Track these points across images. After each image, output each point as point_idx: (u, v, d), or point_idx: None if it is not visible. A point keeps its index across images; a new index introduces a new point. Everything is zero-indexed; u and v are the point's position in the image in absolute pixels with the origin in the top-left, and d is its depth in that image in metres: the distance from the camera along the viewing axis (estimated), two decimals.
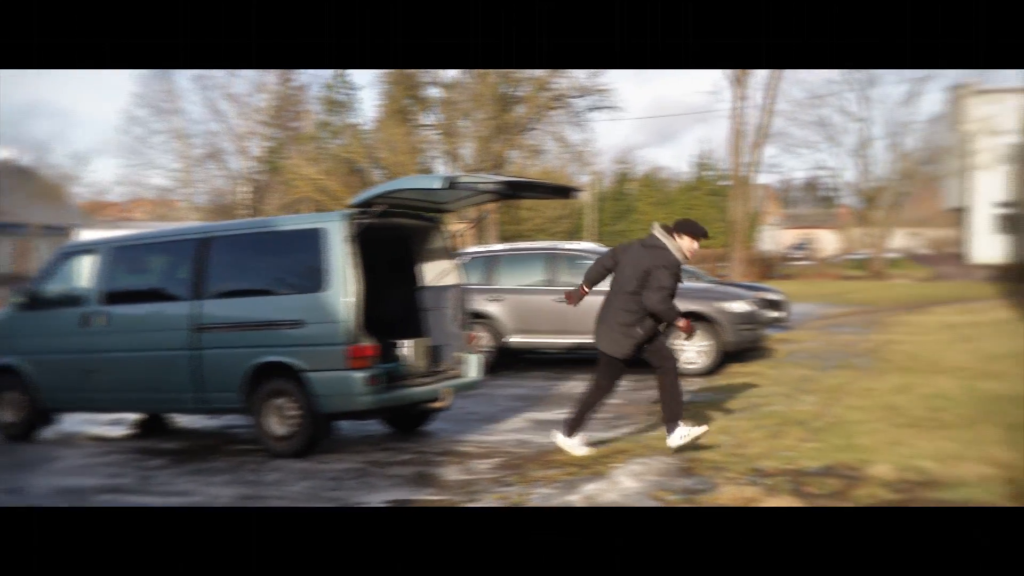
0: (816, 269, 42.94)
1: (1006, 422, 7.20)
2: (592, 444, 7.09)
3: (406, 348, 7.99)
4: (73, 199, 52.39)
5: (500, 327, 12.23)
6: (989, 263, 39.48)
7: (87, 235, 31.66)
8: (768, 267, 39.47)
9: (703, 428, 6.73)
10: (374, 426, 8.56)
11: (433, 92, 40.27)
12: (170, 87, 48.59)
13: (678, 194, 66.34)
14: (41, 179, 48.94)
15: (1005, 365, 10.33)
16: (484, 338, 11.79)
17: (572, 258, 12.43)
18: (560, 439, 6.98)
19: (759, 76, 35.66)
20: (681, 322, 6.56)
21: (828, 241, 58.73)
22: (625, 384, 10.58)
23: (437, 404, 7.87)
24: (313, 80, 49.88)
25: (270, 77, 46.75)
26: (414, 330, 8.31)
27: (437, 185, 7.13)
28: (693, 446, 6.66)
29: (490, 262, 12.84)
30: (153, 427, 9.36)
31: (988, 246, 42.57)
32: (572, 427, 6.95)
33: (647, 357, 6.82)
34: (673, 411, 6.70)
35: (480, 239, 35.81)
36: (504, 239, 38.53)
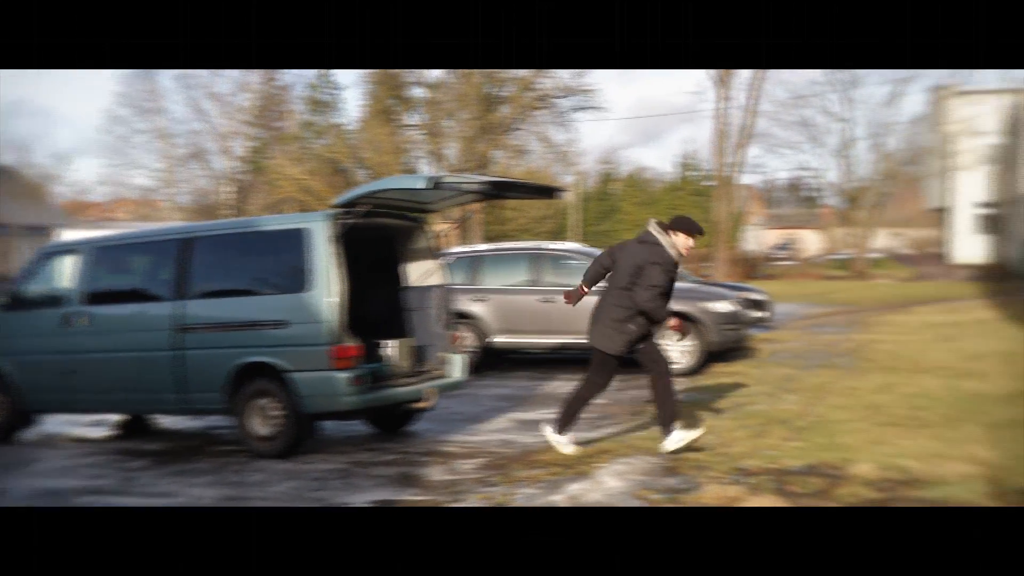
0: (799, 269, 43.12)
1: (987, 421, 7.25)
2: (578, 444, 7.08)
3: (390, 348, 7.98)
4: (55, 199, 52.06)
5: (484, 327, 12.23)
6: (970, 263, 39.75)
7: (69, 235, 31.47)
8: (751, 267, 39.60)
9: (699, 432, 6.70)
10: (358, 426, 8.54)
11: (417, 92, 40.25)
12: (153, 86, 48.41)
13: (662, 194, 66.44)
14: (22, 179, 48.56)
15: (986, 364, 10.40)
16: (468, 338, 11.78)
17: (556, 258, 12.44)
18: (550, 434, 6.99)
19: (743, 77, 35.81)
20: (672, 321, 6.55)
21: (811, 241, 58.92)
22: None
23: (421, 404, 7.86)
24: (297, 80, 49.64)
25: (253, 76, 46.63)
26: (398, 330, 8.30)
27: (421, 185, 7.11)
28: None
29: (474, 262, 12.83)
30: (135, 428, 9.31)
31: (969, 246, 42.84)
32: (563, 423, 6.95)
33: (639, 359, 6.81)
34: (668, 414, 6.67)
35: (464, 239, 35.77)
36: (488, 239, 38.50)
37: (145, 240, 8.71)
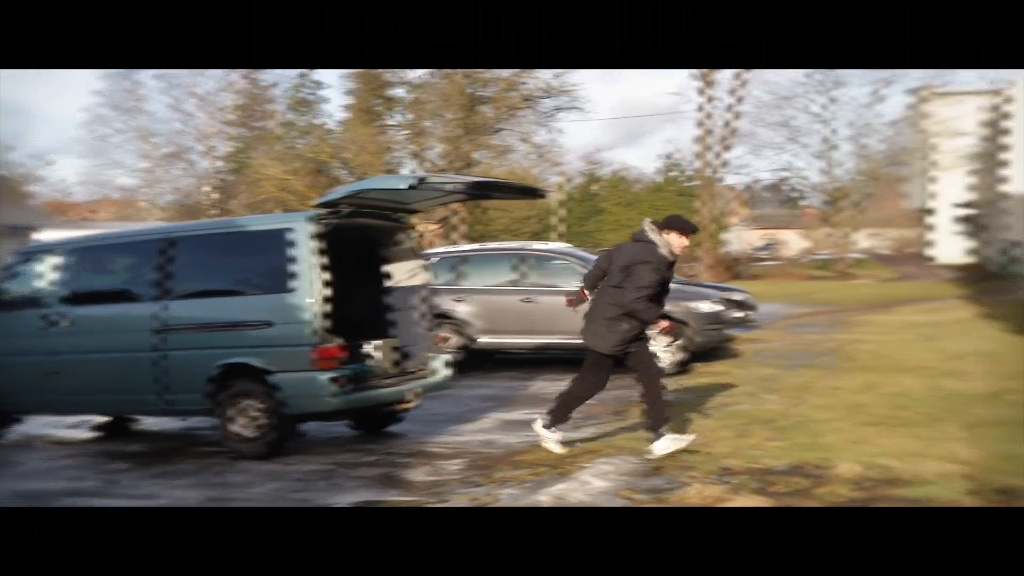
0: (782, 269, 43.29)
1: (967, 420, 7.31)
2: (565, 443, 7.06)
3: (373, 349, 7.96)
4: (35, 199, 51.74)
5: (468, 327, 12.22)
6: (951, 263, 40.01)
7: (49, 235, 31.26)
8: (734, 267, 39.75)
9: (688, 439, 6.68)
10: (341, 427, 8.52)
11: (400, 92, 40.21)
12: (134, 86, 48.11)
13: (645, 195, 66.64)
14: (2, 179, 48.25)
15: (966, 364, 10.47)
16: (452, 339, 11.77)
17: (540, 258, 12.44)
18: (539, 429, 6.98)
19: (725, 77, 35.94)
20: (661, 323, 6.52)
21: (793, 241, 59.20)
22: None
23: (404, 405, 7.84)
24: (280, 80, 49.51)
25: (236, 76, 46.45)
26: (381, 331, 8.28)
27: (404, 185, 7.09)
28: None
29: (458, 262, 12.82)
30: (117, 429, 9.25)
31: (950, 246, 43.12)
32: (553, 420, 6.93)
33: (631, 362, 6.74)
34: (657, 419, 6.63)
35: (448, 239, 35.77)
36: (472, 239, 38.51)
37: (126, 240, 8.65)
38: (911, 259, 46.03)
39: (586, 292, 7.04)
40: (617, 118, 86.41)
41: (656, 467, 6.32)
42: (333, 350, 7.10)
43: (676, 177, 65.83)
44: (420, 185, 7.02)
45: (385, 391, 7.65)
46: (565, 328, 11.75)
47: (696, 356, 11.67)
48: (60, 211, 52.28)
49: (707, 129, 35.45)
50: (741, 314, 15.11)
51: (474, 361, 12.23)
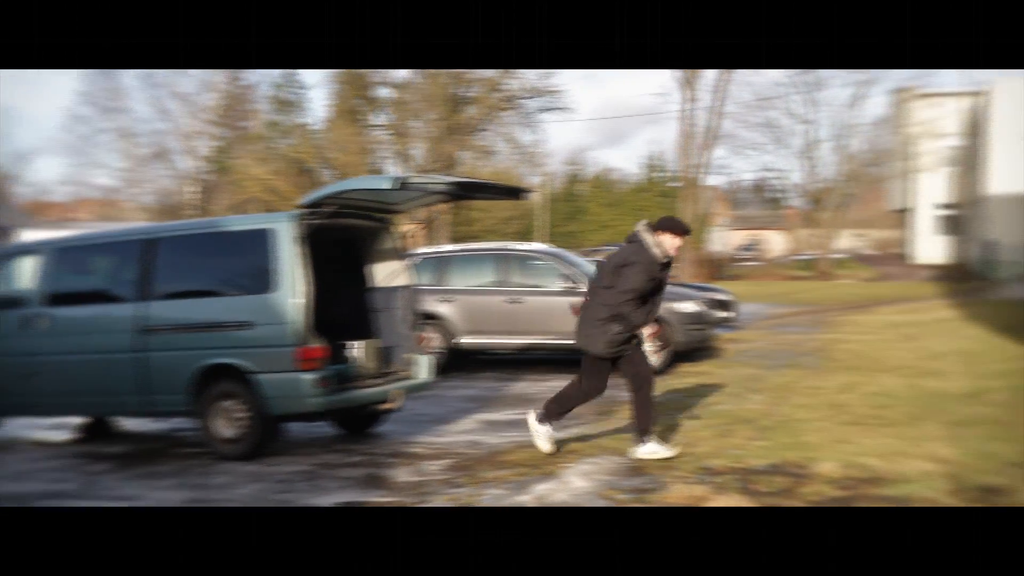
0: (764, 270, 43.46)
1: (948, 419, 7.36)
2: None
3: (356, 349, 7.95)
4: (15, 199, 51.35)
5: (451, 328, 12.21)
6: (932, 263, 40.29)
7: (29, 236, 31.05)
8: (717, 268, 39.88)
9: (673, 452, 6.57)
10: (324, 428, 8.50)
11: (383, 92, 40.15)
12: (115, 85, 47.85)
13: (628, 195, 66.77)
14: None
15: (947, 363, 10.55)
16: (435, 339, 11.76)
17: (523, 259, 12.45)
18: (532, 422, 6.93)
19: (708, 78, 36.05)
20: (649, 328, 6.47)
21: (776, 242, 59.46)
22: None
23: (388, 406, 7.83)
24: (262, 79, 49.37)
25: (218, 76, 46.25)
26: (364, 331, 8.27)
27: (387, 186, 7.08)
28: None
29: (441, 263, 12.81)
30: (98, 431, 9.19)
31: (931, 247, 43.43)
32: (547, 415, 6.87)
33: (622, 364, 6.66)
34: (644, 424, 6.60)
35: (431, 240, 35.74)
36: (455, 240, 38.49)
37: (107, 241, 8.60)
38: (892, 259, 46.34)
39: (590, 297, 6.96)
40: (600, 119, 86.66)
41: (639, 467, 6.34)
42: (316, 351, 7.08)
43: (659, 178, 65.98)
44: (403, 185, 7.01)
45: (368, 392, 7.63)
46: (548, 328, 11.78)
47: (679, 356, 11.71)
48: (40, 211, 51.94)
49: (690, 130, 35.58)
50: (724, 314, 15.16)
51: (457, 362, 12.22)
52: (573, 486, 5.92)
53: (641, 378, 6.63)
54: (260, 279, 7.22)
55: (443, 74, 35.87)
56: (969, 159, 39.31)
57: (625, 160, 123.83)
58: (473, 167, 40.11)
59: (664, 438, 6.84)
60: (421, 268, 12.21)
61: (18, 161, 67.32)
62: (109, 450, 8.17)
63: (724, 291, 16.34)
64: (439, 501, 5.79)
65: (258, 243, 7.28)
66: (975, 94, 37.91)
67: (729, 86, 37.35)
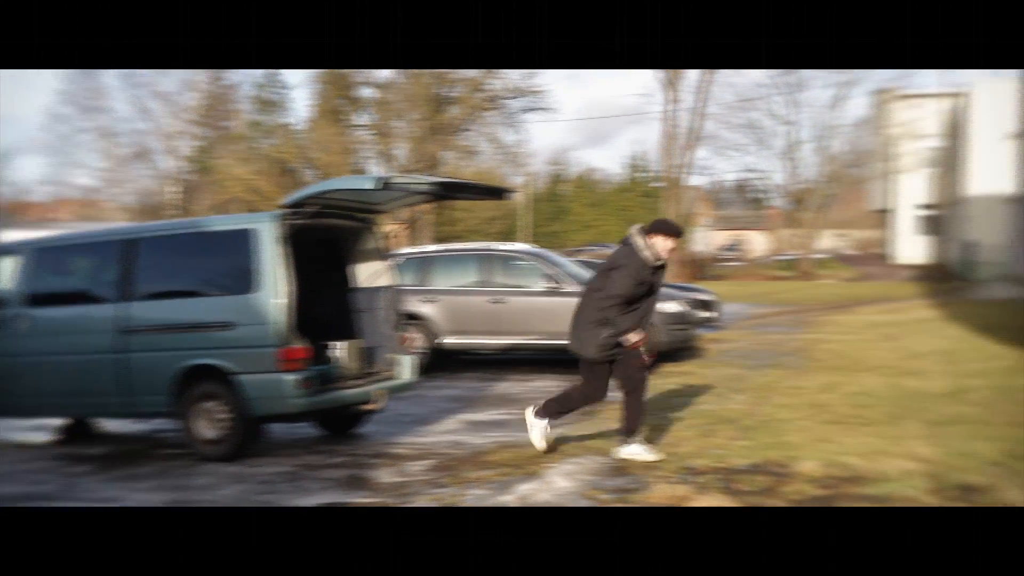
0: (746, 270, 43.63)
1: (928, 418, 7.41)
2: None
3: (339, 350, 7.92)
4: None
5: (434, 328, 12.20)
6: (912, 263, 40.54)
7: (9, 236, 30.78)
8: (700, 268, 39.99)
9: (657, 456, 6.51)
10: (306, 429, 8.47)
11: (366, 92, 40.07)
12: (95, 84, 47.54)
13: (611, 195, 66.92)
14: None
15: (926, 363, 10.62)
16: (418, 339, 11.75)
17: (506, 259, 12.45)
18: (529, 416, 6.87)
19: (690, 79, 36.16)
20: (634, 336, 6.39)
21: (758, 242, 59.71)
22: (559, 384, 10.64)
23: (370, 406, 7.82)
24: (244, 79, 49.21)
25: (200, 75, 46.06)
26: (347, 332, 8.25)
27: (370, 186, 7.07)
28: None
29: (424, 263, 12.80)
30: (78, 432, 9.12)
31: (911, 247, 43.73)
32: (546, 411, 6.79)
33: (616, 368, 6.60)
34: (632, 426, 6.57)
35: (414, 240, 35.69)
36: (438, 240, 38.45)
37: (88, 241, 8.55)
38: (873, 259, 46.62)
39: None
40: (583, 119, 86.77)
41: (622, 467, 6.35)
42: (298, 351, 7.06)
43: (642, 178, 66.17)
44: (386, 185, 7.00)
45: (351, 392, 7.62)
46: (531, 328, 11.80)
47: (662, 356, 11.73)
48: (20, 211, 51.43)
49: (672, 130, 35.70)
50: (706, 314, 15.22)
51: (440, 362, 12.21)
52: (556, 486, 5.93)
53: (635, 381, 6.59)
54: (242, 279, 7.19)
55: (426, 74, 35.85)
56: (949, 160, 39.60)
57: (608, 160, 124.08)
58: (456, 167, 40.10)
59: (647, 438, 6.85)
60: (404, 268, 12.19)
61: None
62: (90, 451, 8.11)
63: (706, 291, 16.41)
64: (422, 502, 5.78)
65: (240, 243, 7.24)
66: (955, 95, 38.19)
67: (711, 87, 37.54)
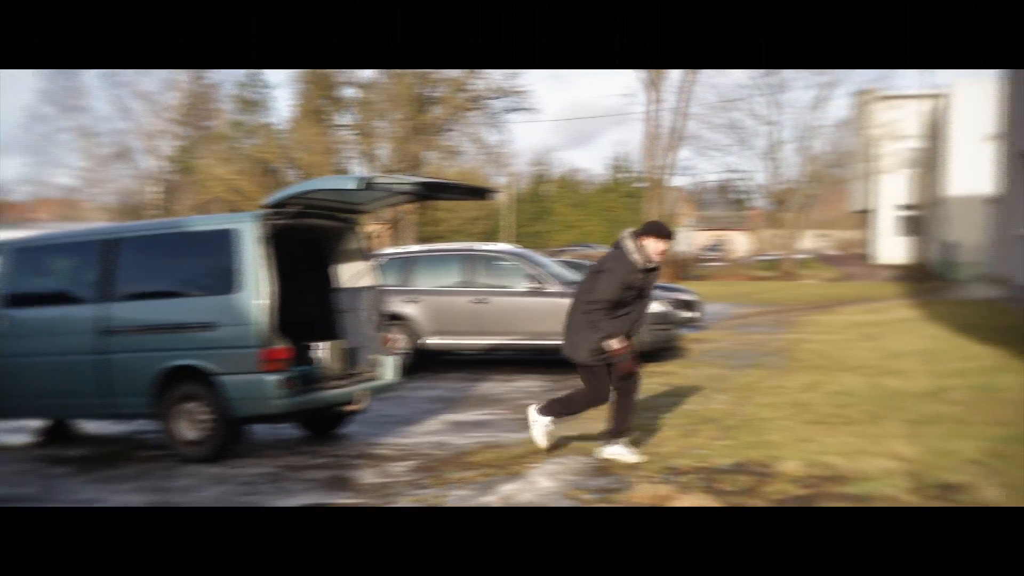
0: (728, 270, 43.73)
1: (908, 417, 7.45)
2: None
3: (321, 350, 7.90)
4: None
5: (417, 328, 12.18)
6: (892, 264, 40.78)
7: None
8: (682, 268, 40.07)
9: (639, 458, 6.48)
10: (288, 430, 8.45)
11: (349, 92, 39.98)
12: (75, 83, 47.23)
13: (594, 196, 66.98)
14: None
15: (907, 362, 10.68)
16: (401, 340, 11.72)
17: (489, 259, 12.45)
18: (532, 413, 6.80)
19: (673, 80, 36.27)
20: (615, 342, 6.30)
21: (740, 242, 59.89)
22: (542, 384, 10.66)
23: (353, 407, 7.80)
24: (226, 78, 49.02)
25: (181, 75, 45.80)
26: (329, 332, 8.23)
27: (352, 186, 7.05)
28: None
29: (407, 263, 12.78)
30: (58, 434, 9.06)
31: (892, 247, 43.97)
32: (549, 410, 6.74)
33: (611, 372, 6.54)
34: (619, 427, 6.57)
35: (396, 240, 35.64)
36: (421, 240, 38.39)
37: (68, 241, 8.50)
38: (854, 260, 46.85)
39: None
40: (566, 119, 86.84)
41: (605, 467, 6.36)
42: (280, 352, 7.04)
43: (624, 179, 66.25)
44: (368, 186, 6.99)
45: (333, 393, 7.60)
46: (514, 329, 11.80)
47: (644, 356, 11.73)
48: None
49: (655, 131, 35.81)
50: (688, 314, 15.26)
51: (423, 362, 12.19)
52: (539, 486, 5.93)
53: (627, 388, 6.58)
54: (224, 280, 7.16)
55: (408, 74, 35.81)
56: (929, 161, 39.84)
57: (591, 161, 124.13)
58: (439, 167, 40.07)
59: (631, 440, 6.85)
60: (387, 269, 12.17)
61: None
62: (69, 453, 8.06)
63: (689, 291, 16.46)
64: (404, 502, 5.77)
65: (222, 243, 7.22)
66: (935, 96, 38.41)
67: (694, 87, 37.66)
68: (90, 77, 51.27)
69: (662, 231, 6.46)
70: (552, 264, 13.22)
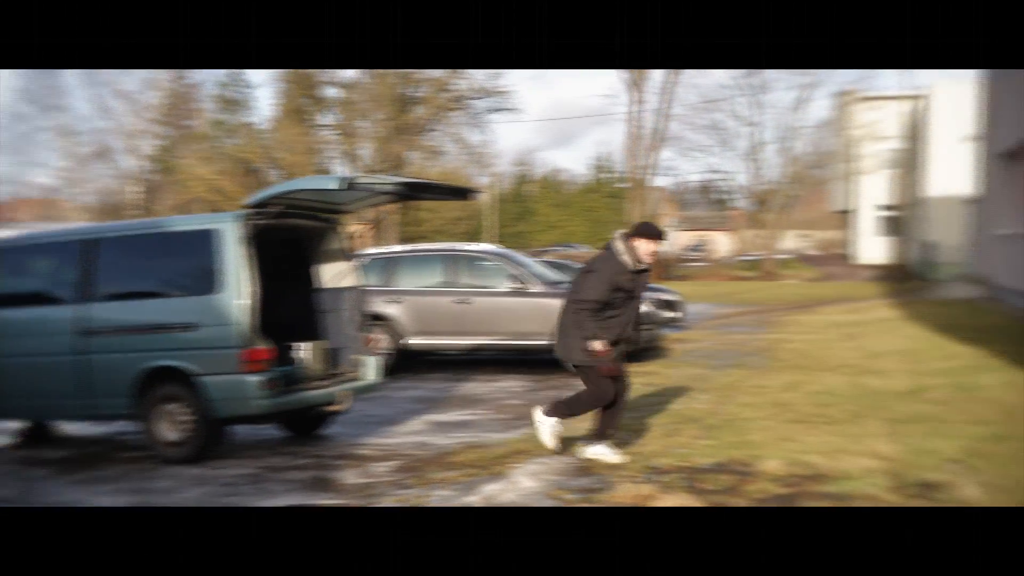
0: (710, 270, 43.86)
1: (888, 417, 7.49)
2: (485, 445, 7.02)
3: (303, 351, 7.88)
4: None
5: (399, 329, 12.16)
6: (873, 264, 41.01)
7: None
8: (664, 268, 40.16)
9: (622, 459, 6.46)
10: (270, 430, 8.42)
11: (331, 92, 39.88)
12: (55, 82, 46.92)
13: (577, 196, 67.11)
14: None
15: (887, 362, 10.74)
16: (383, 340, 11.70)
17: (472, 260, 12.44)
18: (538, 416, 6.73)
19: (655, 80, 36.36)
20: (597, 343, 6.24)
21: (722, 243, 60.07)
22: (525, 384, 10.66)
23: (335, 407, 7.78)
24: (207, 78, 48.77)
25: (162, 74, 45.56)
26: (311, 333, 8.20)
27: (334, 186, 7.04)
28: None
29: (389, 263, 12.75)
30: (37, 435, 8.99)
31: (872, 247, 44.21)
32: (555, 411, 6.66)
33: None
34: (603, 430, 6.55)
35: (379, 240, 35.57)
36: (403, 240, 38.34)
37: (48, 241, 8.44)
38: (835, 260, 47.09)
39: None
40: (548, 120, 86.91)
41: (587, 467, 6.36)
42: (262, 352, 7.01)
43: (607, 179, 66.40)
44: (350, 186, 6.97)
45: (315, 393, 7.58)
46: (496, 329, 11.80)
47: (626, 356, 11.75)
48: None
49: (637, 131, 35.88)
50: (671, 314, 15.29)
51: (406, 363, 12.17)
52: (521, 486, 5.93)
53: (617, 390, 6.56)
54: (205, 280, 7.13)
55: (391, 74, 35.74)
56: (909, 161, 40.09)
57: (573, 161, 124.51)
58: (421, 167, 40.00)
59: (614, 441, 6.85)
60: (369, 269, 12.15)
61: None
62: (49, 455, 8.00)
63: (671, 291, 16.49)
64: (387, 503, 5.76)
65: (203, 244, 7.19)
66: (915, 97, 38.65)
67: (676, 88, 37.74)
68: (70, 76, 50.92)
69: (653, 232, 6.42)
70: (534, 264, 13.23)
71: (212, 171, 39.44)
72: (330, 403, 7.69)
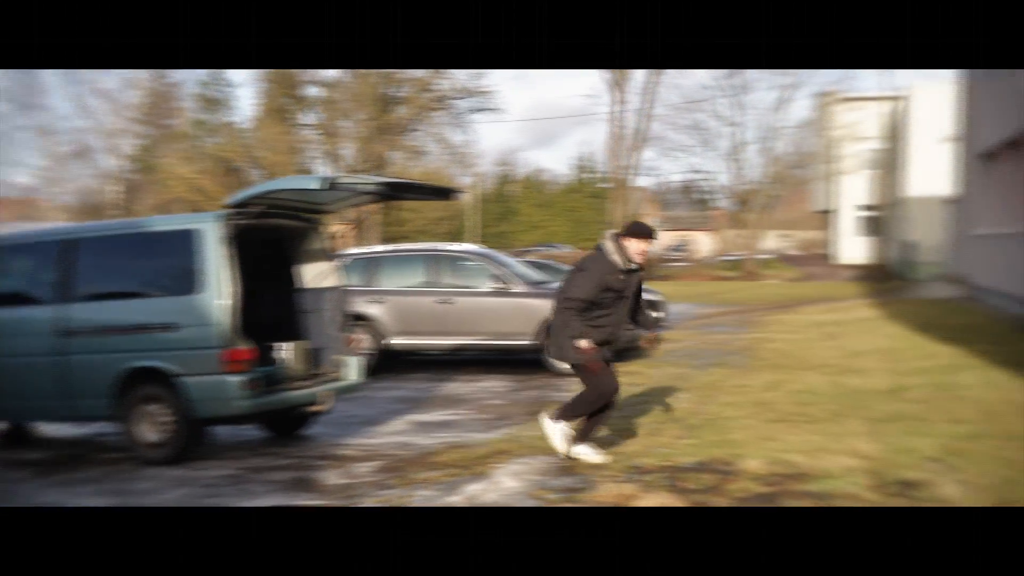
0: (692, 270, 43.97)
1: (869, 416, 7.54)
2: (468, 445, 7.04)
3: (285, 351, 7.85)
4: None
5: (381, 329, 12.14)
6: (853, 263, 41.24)
7: None
8: (646, 268, 40.26)
9: (604, 459, 6.46)
10: (251, 431, 8.38)
11: (313, 91, 39.77)
12: (34, 82, 46.52)
13: (559, 196, 67.19)
14: None
15: (867, 361, 10.81)
16: (365, 340, 11.68)
17: (454, 260, 12.44)
18: (546, 423, 6.65)
19: (637, 80, 36.44)
20: (583, 342, 6.19)
21: (704, 243, 60.27)
22: (507, 384, 10.66)
23: (317, 408, 7.76)
24: (188, 77, 48.45)
25: (142, 73, 45.30)
26: (293, 333, 8.18)
27: (316, 186, 7.02)
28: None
29: (371, 263, 12.73)
30: (15, 437, 8.92)
31: (853, 247, 44.45)
32: (562, 415, 6.60)
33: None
34: (587, 431, 6.54)
35: (361, 240, 35.48)
36: (385, 240, 38.27)
37: (27, 241, 8.37)
38: (816, 260, 47.28)
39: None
40: (531, 120, 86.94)
41: (569, 467, 6.37)
42: (243, 352, 6.98)
43: (589, 179, 66.51)
44: (332, 186, 6.96)
45: (297, 394, 7.56)
46: (479, 329, 11.79)
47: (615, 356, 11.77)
48: None
49: (619, 131, 35.94)
50: (653, 314, 15.31)
51: (388, 363, 12.15)
52: (504, 486, 5.93)
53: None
54: (185, 280, 7.09)
55: (373, 73, 35.67)
56: (889, 162, 40.33)
57: (555, 161, 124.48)
58: (403, 167, 39.93)
59: (597, 441, 6.85)
60: (351, 269, 12.12)
61: None
62: (28, 456, 7.94)
63: (653, 291, 16.51)
64: (369, 503, 5.75)
65: (183, 243, 7.15)
66: (895, 98, 38.88)
67: (658, 89, 37.83)
68: (49, 75, 50.55)
69: (643, 231, 6.37)
70: (517, 264, 13.23)
71: (193, 171, 39.27)
72: (312, 403, 7.67)
